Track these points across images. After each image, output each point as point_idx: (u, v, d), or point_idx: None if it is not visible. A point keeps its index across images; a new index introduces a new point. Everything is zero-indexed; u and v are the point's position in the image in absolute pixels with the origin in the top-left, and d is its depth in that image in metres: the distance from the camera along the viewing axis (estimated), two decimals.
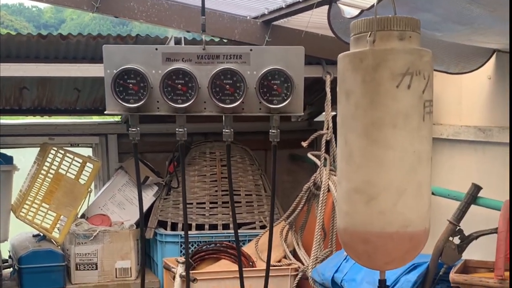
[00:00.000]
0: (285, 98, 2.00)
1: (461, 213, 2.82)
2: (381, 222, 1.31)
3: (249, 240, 4.18)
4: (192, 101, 2.05)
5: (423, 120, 1.42)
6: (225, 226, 4.25)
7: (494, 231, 2.64)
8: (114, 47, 2.12)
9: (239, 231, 4.17)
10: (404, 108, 1.41)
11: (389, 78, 1.43)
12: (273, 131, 2.06)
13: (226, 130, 2.16)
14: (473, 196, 2.79)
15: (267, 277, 1.91)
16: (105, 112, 2.16)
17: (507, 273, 2.50)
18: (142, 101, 2.07)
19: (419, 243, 1.35)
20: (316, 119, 4.77)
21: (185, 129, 2.11)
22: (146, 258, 4.49)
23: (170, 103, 2.06)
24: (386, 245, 1.32)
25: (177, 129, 2.12)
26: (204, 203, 4.27)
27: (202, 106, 2.09)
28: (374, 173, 1.33)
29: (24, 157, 4.46)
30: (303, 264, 3.85)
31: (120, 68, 2.06)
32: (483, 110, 2.97)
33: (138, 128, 2.19)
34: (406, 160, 1.32)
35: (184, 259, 3.77)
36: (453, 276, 2.62)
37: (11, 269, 4.20)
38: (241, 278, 2.14)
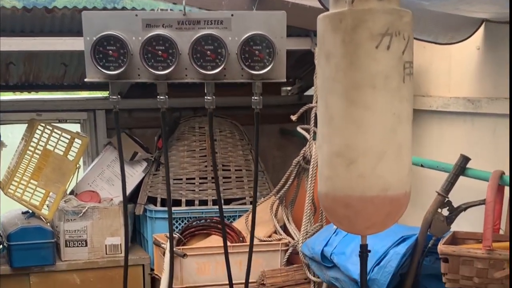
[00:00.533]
0: (267, 64, 1.98)
1: (450, 184, 2.80)
2: (361, 186, 1.28)
3: (239, 216, 4.16)
4: (173, 67, 2.02)
5: (403, 81, 1.39)
6: (215, 202, 4.22)
7: (483, 202, 2.61)
8: (94, 13, 2.09)
9: (229, 206, 4.20)
10: (384, 69, 1.38)
11: (368, 39, 1.40)
12: (255, 98, 2.04)
13: (208, 98, 2.13)
14: (461, 167, 2.77)
15: (250, 253, 1.87)
16: (85, 80, 2.13)
17: (495, 244, 2.48)
18: (123, 68, 2.05)
19: (400, 206, 1.32)
20: (306, 93, 4.73)
21: (167, 97, 2.09)
22: (136, 235, 4.46)
23: (150, 70, 2.03)
24: (367, 209, 1.30)
25: (158, 96, 2.10)
26: (194, 178, 4.24)
27: (184, 73, 2.06)
28: (354, 136, 1.30)
29: (12, 134, 4.42)
30: (293, 239, 3.83)
31: (100, 35, 2.03)
32: (472, 81, 2.94)
33: (119, 96, 2.16)
34: (386, 122, 1.30)
35: (174, 235, 3.76)
36: (441, 247, 2.60)
37: (0, 246, 4.18)
38: (226, 254, 2.12)
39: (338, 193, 1.31)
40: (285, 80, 1.98)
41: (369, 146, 1.28)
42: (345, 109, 1.30)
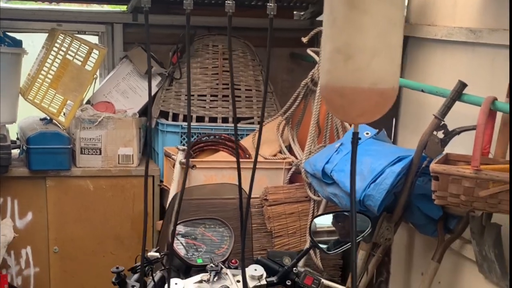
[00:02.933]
0: None
1: (446, 108, 2.94)
2: (356, 79, 1.44)
3: (247, 134, 4.33)
4: None
5: None
6: (224, 120, 4.39)
7: (476, 127, 2.75)
8: None
9: (237, 125, 4.36)
10: None
11: None
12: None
13: (228, 1, 2.17)
14: (458, 92, 2.90)
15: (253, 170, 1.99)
16: None
17: (483, 166, 2.64)
18: None
19: (388, 99, 1.48)
20: (318, 19, 4.81)
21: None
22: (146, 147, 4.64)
23: None
24: (359, 99, 1.46)
25: None
26: (205, 95, 4.40)
27: None
28: (353, 36, 1.44)
29: (33, 42, 4.56)
30: (297, 158, 4.01)
31: None
32: (476, 11, 3.03)
33: None
34: (381, 25, 1.44)
35: (183, 147, 3.94)
36: (432, 165, 2.76)
37: (19, 149, 4.37)
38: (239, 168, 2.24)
39: (335, 84, 1.47)
40: None
41: (365, 45, 1.44)
42: (346, 12, 1.45)
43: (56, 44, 4.25)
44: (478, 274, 2.97)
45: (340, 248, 2.22)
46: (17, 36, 4.35)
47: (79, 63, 4.27)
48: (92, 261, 4.31)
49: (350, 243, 2.22)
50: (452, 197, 2.72)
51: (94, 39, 4.66)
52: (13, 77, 4.27)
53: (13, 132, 4.44)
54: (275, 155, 4.13)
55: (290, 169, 4.02)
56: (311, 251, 3.79)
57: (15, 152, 4.35)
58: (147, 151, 1.72)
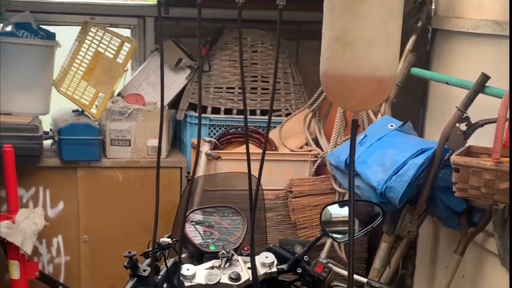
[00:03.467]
0: None
1: (469, 100, 2.91)
2: (354, 66, 1.45)
3: (274, 127, 4.34)
4: None
5: None
6: (252, 112, 4.41)
7: None
8: None
9: (265, 117, 4.38)
10: None
11: None
12: None
13: None
14: (481, 85, 2.87)
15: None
16: None
17: (504, 158, 2.61)
18: None
19: (386, 86, 1.48)
20: None
21: None
22: (176, 139, 4.69)
23: None
24: (357, 86, 1.47)
25: None
26: (234, 88, 4.42)
27: None
28: (351, 23, 1.45)
29: (67, 35, 4.64)
30: (323, 151, 4.01)
31: None
32: (502, 4, 2.99)
33: None
34: (378, 14, 1.44)
35: (210, 139, 3.98)
36: (453, 157, 2.75)
37: (51, 140, 4.46)
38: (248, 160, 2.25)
39: (334, 72, 1.48)
40: None
41: (362, 33, 1.44)
42: (346, 1, 1.46)
43: (88, 37, 4.33)
44: (501, 268, 2.94)
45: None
46: (51, 29, 4.44)
47: (111, 55, 4.33)
48: (121, 250, 4.32)
49: (362, 232, 2.22)
50: (473, 190, 2.69)
51: (126, 32, 4.72)
52: (46, 69, 4.36)
53: (46, 124, 4.52)
54: (301, 148, 4.14)
55: (316, 161, 4.02)
56: (335, 245, 3.80)
57: (48, 143, 4.44)
58: (160, 145, 1.73)
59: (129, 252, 2.05)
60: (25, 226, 3.91)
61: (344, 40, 1.46)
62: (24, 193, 4.25)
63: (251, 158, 3.97)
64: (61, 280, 4.38)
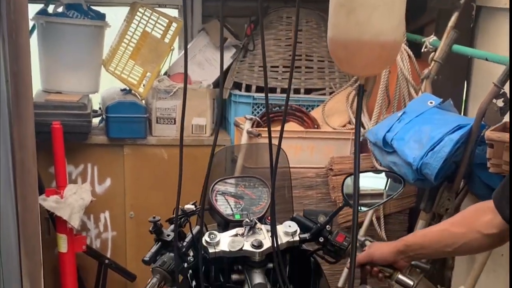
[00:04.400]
0: None
1: (506, 76, 2.85)
2: (357, 32, 1.45)
3: (318, 105, 4.34)
4: None
5: None
6: (296, 91, 4.41)
7: None
8: None
9: (308, 96, 4.38)
10: None
11: None
12: None
13: None
14: None
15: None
16: None
17: None
18: None
19: (390, 51, 1.47)
20: None
21: None
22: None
23: None
24: (362, 51, 1.46)
25: None
26: (278, 66, 4.43)
27: None
28: None
29: (115, 16, 4.72)
30: (365, 129, 3.99)
31: None
32: None
33: None
34: None
35: (251, 117, 4.01)
36: (487, 133, 2.70)
37: (100, 118, 4.57)
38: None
39: (340, 37, 1.47)
40: None
41: None
42: None
43: (136, 17, 4.40)
44: None
45: (372, 207, 2.22)
46: (101, 9, 4.52)
47: (158, 35, 4.39)
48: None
49: (381, 202, 2.22)
50: (507, 165, 2.65)
51: (173, 12, 4.78)
52: (95, 49, 4.45)
53: (96, 103, 4.63)
54: (344, 126, 4.13)
55: None
56: (375, 223, 3.79)
57: (96, 121, 4.55)
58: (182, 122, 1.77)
59: (154, 217, 2.09)
60: (72, 201, 4.03)
61: (348, 5, 1.46)
62: (73, 170, 4.37)
63: (293, 136, 4.00)
64: (108, 254, 4.50)
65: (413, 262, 2.23)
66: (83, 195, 4.11)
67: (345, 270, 3.70)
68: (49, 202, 3.99)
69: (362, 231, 3.67)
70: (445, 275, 3.73)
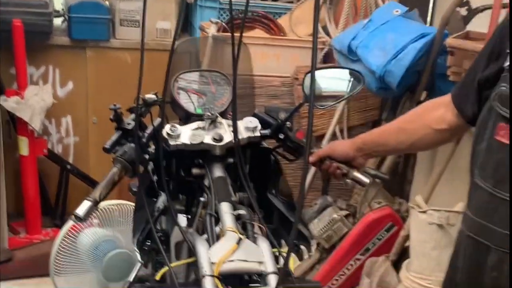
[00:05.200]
0: None
1: None
2: None
3: (285, 13, 4.29)
4: None
5: None
6: None
7: None
8: None
9: (276, 3, 4.32)
10: None
11: None
12: None
13: None
14: None
15: None
16: None
17: None
18: None
19: None
20: None
21: None
22: (187, 23, 4.66)
23: None
24: None
25: None
26: None
27: None
28: None
29: None
30: (331, 38, 3.97)
31: None
32: None
33: None
34: None
35: (217, 20, 3.95)
36: (449, 40, 2.71)
37: (62, 18, 4.46)
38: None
39: None
40: None
41: None
42: None
43: None
44: None
45: (332, 104, 2.22)
46: None
47: None
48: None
49: (341, 99, 2.22)
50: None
51: None
52: None
53: (58, 2, 4.51)
54: (310, 35, 4.10)
55: (323, 49, 3.99)
56: (339, 134, 3.82)
57: (59, 21, 4.44)
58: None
59: (114, 105, 2.07)
60: (33, 102, 3.96)
61: None
62: (34, 71, 4.29)
63: (260, 43, 3.96)
64: (70, 160, 4.46)
65: (373, 172, 2.23)
66: (44, 96, 4.05)
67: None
68: (10, 102, 3.92)
69: (325, 141, 3.70)
70: (404, 188, 3.80)
